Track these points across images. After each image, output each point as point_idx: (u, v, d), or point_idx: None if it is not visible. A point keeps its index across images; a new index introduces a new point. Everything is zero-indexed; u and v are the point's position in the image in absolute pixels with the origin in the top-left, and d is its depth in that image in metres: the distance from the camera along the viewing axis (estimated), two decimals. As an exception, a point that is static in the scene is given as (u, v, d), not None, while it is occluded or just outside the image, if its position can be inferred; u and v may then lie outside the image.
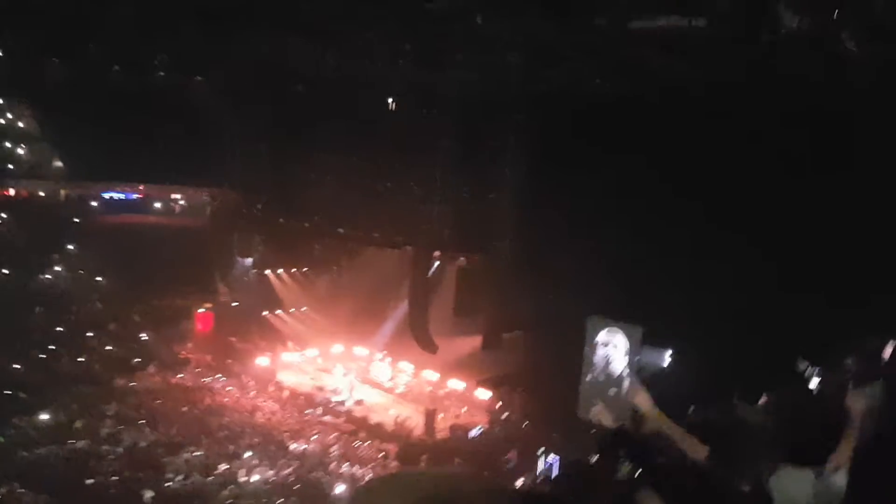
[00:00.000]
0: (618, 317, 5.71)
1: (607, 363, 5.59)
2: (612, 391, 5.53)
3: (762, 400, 5.29)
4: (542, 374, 18.57)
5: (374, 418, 24.27)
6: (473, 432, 22.83)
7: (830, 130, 13.70)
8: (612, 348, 5.64)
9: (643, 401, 4.79)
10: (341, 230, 26.05)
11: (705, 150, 15.14)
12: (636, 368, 5.50)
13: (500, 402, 23.80)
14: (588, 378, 5.71)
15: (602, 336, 5.69)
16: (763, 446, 4.29)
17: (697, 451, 4.39)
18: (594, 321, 5.78)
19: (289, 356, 29.62)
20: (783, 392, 5.28)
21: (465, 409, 25.39)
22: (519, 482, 17.48)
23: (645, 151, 16.05)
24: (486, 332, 22.77)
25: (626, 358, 5.56)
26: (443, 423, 23.83)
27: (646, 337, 5.57)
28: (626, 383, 5.36)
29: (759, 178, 14.57)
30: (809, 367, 6.25)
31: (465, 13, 14.82)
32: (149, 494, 17.37)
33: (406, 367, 28.18)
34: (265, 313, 30.96)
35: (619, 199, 16.45)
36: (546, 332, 18.04)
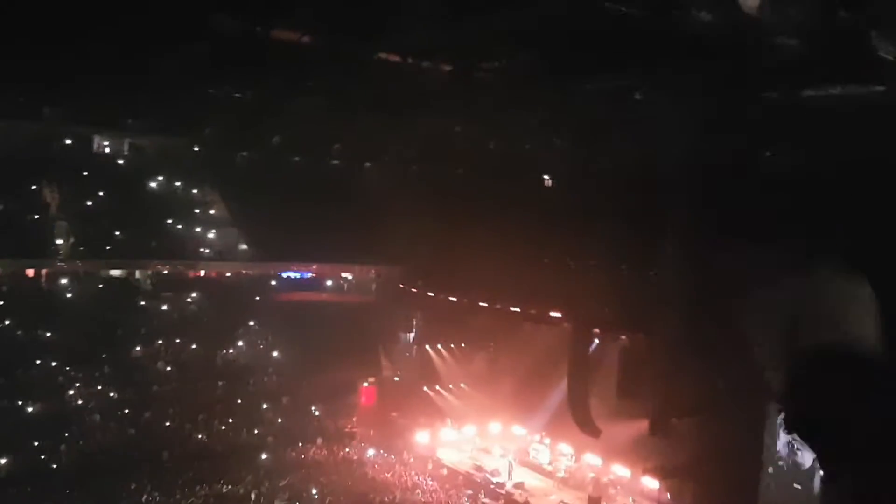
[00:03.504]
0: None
1: (792, 453, 5.15)
2: (798, 486, 5.07)
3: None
4: (718, 463, 17.24)
5: (535, 503, 23.59)
6: (641, 525, 21.61)
7: None
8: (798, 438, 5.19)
9: None
10: (499, 306, 26.20)
11: (887, 227, 13.88)
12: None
13: (670, 494, 22.34)
14: (770, 470, 5.29)
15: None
16: None
17: None
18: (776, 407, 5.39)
19: (448, 433, 29.73)
20: None
21: (631, 499, 24.09)
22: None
23: (822, 226, 14.96)
24: (652, 416, 21.60)
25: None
26: (607, 513, 22.75)
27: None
28: (818, 477, 4.91)
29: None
30: None
31: (625, 91, 14.79)
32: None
33: (566, 450, 27.33)
34: (425, 388, 31.47)
35: (795, 278, 15.33)
36: (721, 419, 16.82)
